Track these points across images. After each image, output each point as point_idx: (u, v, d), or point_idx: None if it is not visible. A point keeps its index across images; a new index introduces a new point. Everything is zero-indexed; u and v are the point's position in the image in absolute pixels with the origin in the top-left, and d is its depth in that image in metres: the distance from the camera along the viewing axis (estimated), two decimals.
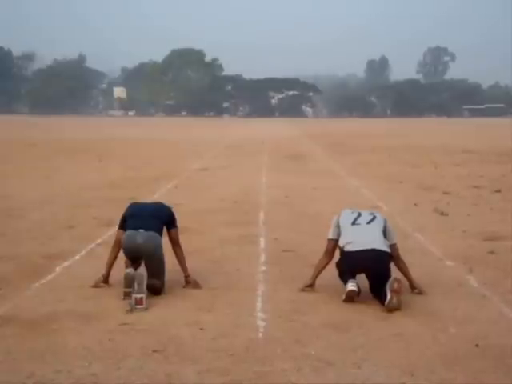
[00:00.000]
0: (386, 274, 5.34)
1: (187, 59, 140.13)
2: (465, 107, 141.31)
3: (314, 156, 23.61)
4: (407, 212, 10.20)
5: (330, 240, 5.80)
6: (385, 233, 5.69)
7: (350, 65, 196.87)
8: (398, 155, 23.02)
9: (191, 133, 45.66)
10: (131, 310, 5.09)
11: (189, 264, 6.52)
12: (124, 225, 5.82)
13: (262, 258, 7.05)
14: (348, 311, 5.16)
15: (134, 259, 5.59)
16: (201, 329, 4.70)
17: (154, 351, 4.26)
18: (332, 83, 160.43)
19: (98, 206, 10.69)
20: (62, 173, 16.45)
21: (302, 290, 5.76)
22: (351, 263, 5.45)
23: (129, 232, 5.63)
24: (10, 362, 4.08)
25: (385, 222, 5.81)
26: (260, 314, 5.06)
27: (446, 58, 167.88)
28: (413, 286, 5.70)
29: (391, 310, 5.11)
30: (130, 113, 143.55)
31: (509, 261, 6.83)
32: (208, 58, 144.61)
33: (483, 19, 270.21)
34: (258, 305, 5.33)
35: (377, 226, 5.68)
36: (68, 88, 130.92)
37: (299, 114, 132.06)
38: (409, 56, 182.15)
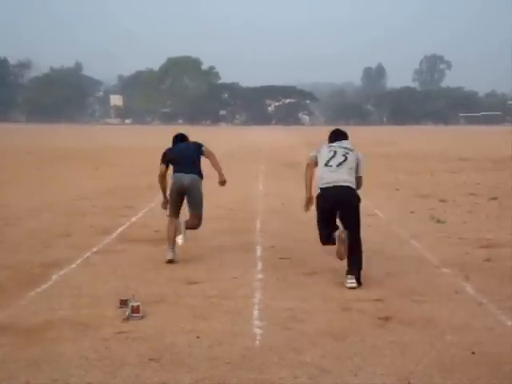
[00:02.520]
0: (350, 206, 6.37)
1: (184, 67, 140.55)
2: (461, 115, 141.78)
3: None
4: (404, 219, 10.22)
5: (312, 156, 6.73)
6: (357, 167, 6.51)
7: (347, 73, 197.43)
8: (395, 163, 23.06)
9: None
10: (127, 319, 5.08)
11: (186, 272, 6.54)
12: (165, 162, 7.48)
13: (259, 265, 7.04)
14: (344, 319, 5.16)
15: (181, 194, 7.25)
16: (197, 337, 4.69)
17: (151, 359, 4.25)
18: (329, 91, 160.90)
19: (94, 214, 10.69)
20: (59, 181, 16.44)
21: (306, 209, 6.87)
22: (321, 197, 6.42)
23: (177, 175, 7.27)
24: (6, 371, 4.06)
25: (357, 160, 6.53)
26: (257, 322, 5.05)
27: (442, 66, 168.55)
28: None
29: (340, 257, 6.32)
30: (127, 121, 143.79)
31: (505, 268, 6.84)
32: (205, 66, 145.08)
33: (480, 28, 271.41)
34: (255, 313, 5.32)
35: (345, 168, 6.41)
36: (64, 96, 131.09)
37: (296, 121, 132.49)
38: (405, 64, 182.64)
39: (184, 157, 7.42)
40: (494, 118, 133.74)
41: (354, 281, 6.07)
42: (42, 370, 4.07)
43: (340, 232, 6.32)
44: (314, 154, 6.73)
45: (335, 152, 6.52)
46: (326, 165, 6.46)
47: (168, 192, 7.50)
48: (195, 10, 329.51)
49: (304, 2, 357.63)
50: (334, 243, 6.41)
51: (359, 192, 6.57)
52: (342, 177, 6.36)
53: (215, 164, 7.68)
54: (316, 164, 6.65)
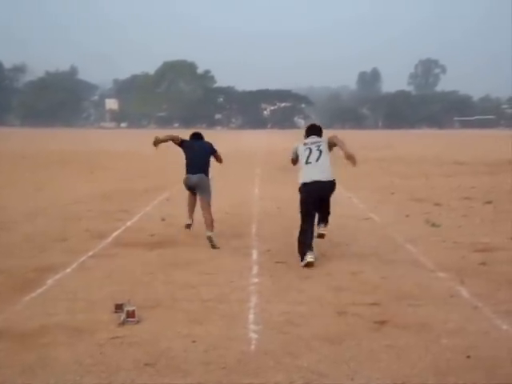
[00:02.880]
0: (327, 203, 7.69)
1: (179, 71, 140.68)
2: (456, 119, 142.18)
3: None
4: (399, 223, 10.23)
5: (293, 155, 7.95)
6: (329, 145, 7.75)
7: (343, 77, 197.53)
8: (390, 167, 23.10)
9: None
10: (123, 323, 5.07)
11: (182, 276, 6.55)
12: (180, 143, 8.98)
13: (255, 269, 7.04)
14: (340, 323, 5.16)
15: (192, 189, 8.72)
16: (193, 341, 4.68)
17: (146, 364, 4.25)
18: (324, 95, 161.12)
19: (89, 218, 10.66)
20: (54, 185, 16.41)
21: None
22: (306, 190, 7.53)
23: (188, 175, 8.64)
24: (1, 376, 4.05)
25: (327, 143, 7.74)
26: (252, 326, 5.05)
27: (437, 70, 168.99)
28: (347, 157, 7.55)
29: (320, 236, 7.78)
30: (122, 124, 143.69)
31: (500, 272, 6.86)
32: (200, 70, 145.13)
33: (475, 33, 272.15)
34: (251, 317, 5.31)
35: (322, 159, 7.59)
36: (60, 100, 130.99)
37: (292, 125, 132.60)
38: (400, 68, 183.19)
39: (196, 157, 8.81)
40: (488, 122, 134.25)
41: (324, 228, 7.79)
42: (36, 375, 4.06)
43: (322, 231, 7.83)
44: (294, 152, 7.93)
45: (310, 149, 7.68)
46: (306, 162, 7.60)
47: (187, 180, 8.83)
48: (191, 13, 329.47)
49: (301, 6, 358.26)
50: (317, 237, 7.75)
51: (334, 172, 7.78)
52: (323, 173, 7.52)
53: (220, 159, 9.30)
54: (297, 158, 7.85)
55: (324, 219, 7.80)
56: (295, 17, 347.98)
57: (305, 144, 7.79)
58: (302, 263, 7.20)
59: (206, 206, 8.67)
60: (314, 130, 8.08)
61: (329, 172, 7.61)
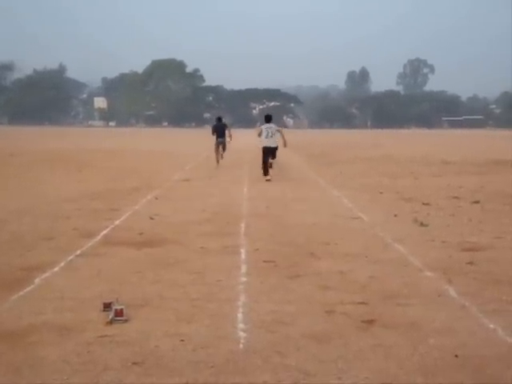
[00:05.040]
0: (274, 154, 18.00)
1: (168, 70, 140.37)
2: (444, 119, 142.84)
3: (294, 167, 23.70)
4: (387, 223, 10.26)
5: (258, 132, 18.30)
6: (279, 133, 18.18)
7: (331, 76, 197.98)
8: (379, 166, 23.18)
9: (172, 143, 45.60)
10: (111, 322, 5.06)
11: (170, 275, 6.53)
12: (213, 132, 23.22)
13: (243, 268, 7.03)
14: (328, 322, 5.17)
15: (219, 144, 23.04)
16: (181, 340, 4.67)
17: (134, 363, 4.23)
18: (313, 94, 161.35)
19: (78, 216, 10.61)
20: (42, 183, 16.33)
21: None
22: (264, 150, 17.91)
23: (218, 139, 23.03)
24: None
25: (278, 131, 18.29)
26: (241, 326, 5.04)
27: (426, 70, 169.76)
28: (284, 144, 18.48)
29: (270, 165, 18.17)
30: (111, 123, 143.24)
31: (487, 271, 6.89)
32: (189, 69, 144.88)
33: (463, 33, 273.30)
34: (239, 316, 5.31)
35: (274, 138, 17.99)
36: (48, 98, 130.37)
37: (280, 124, 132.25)
38: (389, 68, 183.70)
39: (220, 130, 22.91)
40: (476, 121, 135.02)
41: (271, 161, 17.87)
42: (23, 375, 4.04)
43: (270, 161, 17.84)
44: (260, 131, 18.14)
45: (268, 131, 17.86)
46: (266, 137, 17.87)
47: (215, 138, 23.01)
48: (182, 6, 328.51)
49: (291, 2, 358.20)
50: (269, 166, 17.75)
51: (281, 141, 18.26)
52: (272, 143, 17.85)
53: (230, 134, 23.06)
54: (261, 134, 17.92)
55: (273, 158, 18.00)
56: (282, 16, 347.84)
57: (266, 127, 18.10)
58: (265, 178, 17.47)
59: (224, 151, 23.11)
60: (268, 119, 18.59)
61: (275, 142, 17.93)
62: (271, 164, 17.84)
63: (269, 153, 17.74)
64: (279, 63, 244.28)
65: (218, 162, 22.65)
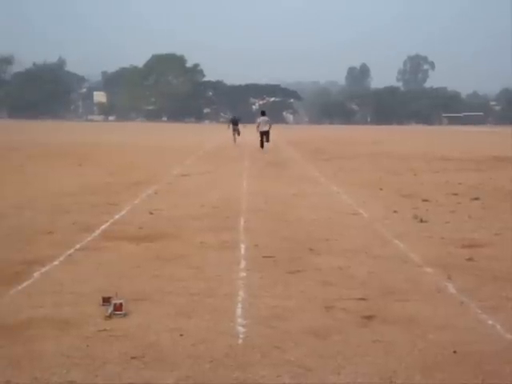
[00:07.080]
0: (268, 136, 29.96)
1: (168, 64, 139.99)
2: (444, 115, 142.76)
3: (294, 162, 23.69)
4: (387, 219, 10.26)
5: (258, 123, 30.50)
6: (270, 123, 30.67)
7: (332, 72, 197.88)
8: (378, 162, 23.17)
9: (172, 138, 45.58)
10: (110, 316, 5.06)
11: (170, 270, 6.53)
12: (229, 122, 38.55)
13: (243, 264, 7.03)
14: (328, 318, 5.17)
15: (234, 130, 36.39)
16: (180, 335, 4.68)
17: (133, 358, 4.23)
18: (313, 90, 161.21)
19: (77, 211, 10.61)
20: (41, 177, 16.32)
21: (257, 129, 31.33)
22: (261, 133, 29.84)
23: (233, 126, 36.60)
24: None
25: (269, 122, 30.38)
26: (240, 320, 5.05)
27: (426, 67, 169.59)
28: (269, 128, 30.62)
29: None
30: (111, 117, 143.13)
31: (486, 268, 6.90)
32: (189, 64, 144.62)
33: (463, 30, 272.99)
34: (238, 311, 5.31)
35: (267, 125, 29.99)
36: (47, 92, 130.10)
37: (280, 120, 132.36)
38: (389, 64, 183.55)
39: (235, 122, 37.01)
40: (476, 118, 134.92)
41: (267, 143, 29.82)
42: (23, 369, 4.04)
43: (265, 144, 29.96)
44: (258, 122, 30.38)
45: (263, 121, 30.01)
46: (262, 124, 29.94)
47: (231, 127, 37.10)
48: (182, 1, 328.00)
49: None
50: (264, 141, 29.87)
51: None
52: (265, 128, 29.79)
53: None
54: (258, 124, 30.23)
55: (267, 140, 29.58)
56: (283, 12, 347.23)
57: (261, 119, 30.03)
58: (262, 151, 28.86)
59: (238, 136, 36.14)
60: (263, 113, 31.30)
61: (267, 127, 29.66)
62: (266, 140, 29.91)
63: (263, 134, 29.56)
64: (279, 59, 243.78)
65: (234, 142, 35.50)
